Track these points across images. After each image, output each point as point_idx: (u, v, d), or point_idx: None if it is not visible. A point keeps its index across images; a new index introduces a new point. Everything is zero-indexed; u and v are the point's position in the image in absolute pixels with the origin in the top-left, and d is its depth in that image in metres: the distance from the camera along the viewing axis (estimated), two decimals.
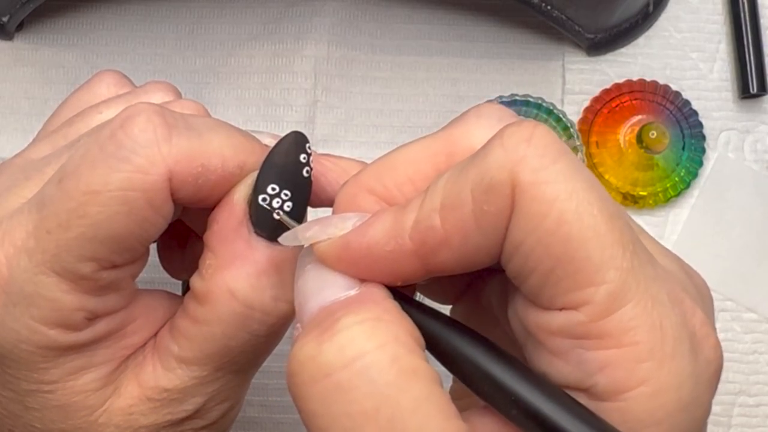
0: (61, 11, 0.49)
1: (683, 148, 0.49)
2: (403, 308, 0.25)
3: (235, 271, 0.30)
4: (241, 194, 0.31)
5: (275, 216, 0.30)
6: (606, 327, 0.23)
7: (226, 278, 0.30)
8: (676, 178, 0.49)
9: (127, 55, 0.49)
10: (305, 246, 0.27)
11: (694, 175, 0.49)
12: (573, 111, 0.49)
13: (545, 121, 0.48)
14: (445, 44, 0.50)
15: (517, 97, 0.47)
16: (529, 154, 0.24)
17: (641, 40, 0.50)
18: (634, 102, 0.49)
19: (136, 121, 0.29)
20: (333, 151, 0.49)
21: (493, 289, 0.29)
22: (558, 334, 0.24)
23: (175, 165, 0.29)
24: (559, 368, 0.24)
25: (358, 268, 0.26)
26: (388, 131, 0.50)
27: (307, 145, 0.31)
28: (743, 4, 0.50)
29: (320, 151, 0.49)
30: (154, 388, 0.31)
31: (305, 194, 0.31)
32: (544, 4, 0.47)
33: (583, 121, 0.49)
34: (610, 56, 0.50)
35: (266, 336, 0.31)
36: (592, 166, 0.49)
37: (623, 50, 0.50)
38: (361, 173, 0.28)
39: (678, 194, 0.49)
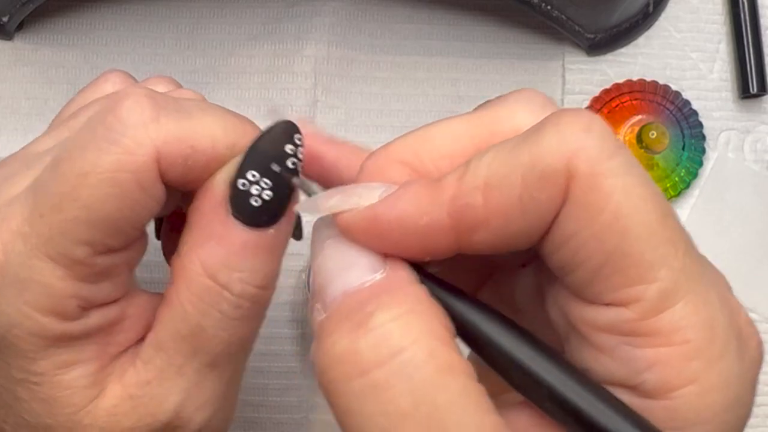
0: (61, 11, 0.50)
1: (683, 148, 0.49)
2: (431, 291, 0.24)
3: (209, 249, 0.30)
4: (223, 175, 0.30)
5: (251, 199, 0.30)
6: (656, 325, 0.23)
7: (199, 254, 0.30)
8: (676, 178, 0.49)
9: (127, 55, 0.49)
10: (323, 216, 0.26)
11: (694, 175, 0.49)
12: None
13: None
14: (445, 44, 0.50)
15: None
16: (588, 145, 0.23)
17: (641, 40, 0.50)
18: (634, 102, 0.49)
19: (125, 104, 0.29)
20: None
21: (521, 279, 0.28)
22: (605, 330, 0.24)
23: (163, 146, 0.29)
24: (604, 364, 0.24)
25: (386, 243, 0.25)
26: (388, 131, 0.50)
27: (296, 135, 0.30)
28: (743, 4, 0.50)
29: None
30: (135, 384, 0.31)
31: (289, 186, 0.30)
32: (544, 4, 0.47)
33: None
34: (610, 56, 0.50)
35: (238, 320, 0.31)
36: None
37: (623, 50, 0.50)
38: (392, 143, 0.27)
39: (678, 194, 0.49)
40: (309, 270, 0.46)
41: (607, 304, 0.24)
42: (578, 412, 0.23)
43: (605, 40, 0.50)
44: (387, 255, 0.25)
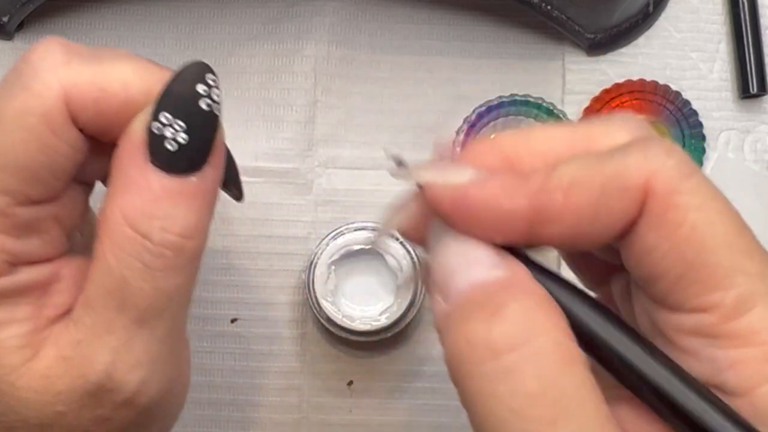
0: (61, 11, 0.49)
1: (683, 148, 0.49)
2: (546, 285, 0.26)
3: (128, 197, 0.30)
4: (139, 120, 0.30)
5: (166, 143, 0.30)
6: (736, 328, 0.25)
7: (119, 203, 0.30)
8: None
9: None
10: (414, 186, 0.28)
11: None
12: (573, 111, 0.49)
13: (545, 121, 0.48)
14: (445, 44, 0.50)
15: (517, 97, 0.47)
16: (668, 166, 0.26)
17: (641, 40, 0.50)
18: (634, 102, 0.49)
19: (37, 50, 0.30)
20: (333, 151, 0.49)
21: (616, 284, 0.30)
22: (689, 333, 0.26)
23: (71, 88, 0.29)
24: (690, 364, 0.26)
25: (469, 219, 0.27)
26: (388, 131, 0.50)
27: (209, 76, 0.30)
28: (743, 4, 0.50)
29: (319, 150, 0.49)
30: (67, 345, 0.31)
31: (206, 128, 0.30)
32: (544, 4, 0.47)
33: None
34: (610, 56, 0.50)
35: (162, 270, 0.30)
36: None
37: (623, 50, 0.50)
38: (497, 136, 0.29)
39: None
40: (309, 270, 0.46)
41: (688, 310, 0.25)
42: (676, 405, 0.25)
43: (605, 40, 0.50)
44: (500, 250, 0.27)
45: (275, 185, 0.49)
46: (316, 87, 0.50)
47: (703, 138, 0.49)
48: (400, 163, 0.29)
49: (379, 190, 0.49)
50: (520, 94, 0.47)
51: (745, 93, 0.49)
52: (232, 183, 0.35)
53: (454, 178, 0.27)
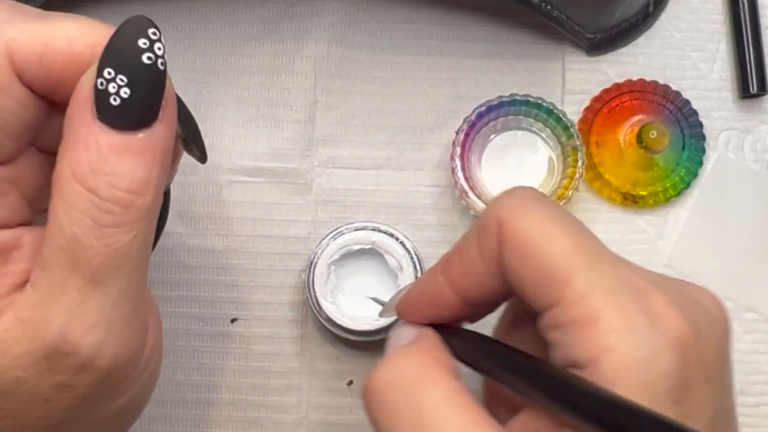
0: (61, 11, 0.49)
1: (683, 148, 0.49)
2: (450, 340, 0.35)
3: (76, 153, 0.30)
4: (86, 78, 0.30)
5: (110, 98, 0.30)
6: (578, 314, 0.30)
7: (69, 160, 0.30)
8: (676, 178, 0.49)
9: None
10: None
11: (694, 175, 0.49)
12: (573, 111, 0.49)
13: (545, 121, 0.48)
14: (445, 44, 0.50)
15: (517, 97, 0.47)
16: (509, 202, 0.33)
17: (641, 40, 0.50)
18: (634, 102, 0.49)
19: None
20: (333, 151, 0.49)
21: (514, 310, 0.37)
22: (550, 328, 0.31)
23: (13, 41, 0.30)
24: (555, 354, 0.31)
25: (417, 311, 0.36)
26: (388, 131, 0.50)
27: (151, 30, 0.30)
28: (743, 4, 0.50)
29: (319, 150, 0.49)
30: (24, 307, 0.31)
31: (150, 83, 0.30)
32: (544, 4, 0.47)
33: (583, 121, 0.49)
34: (610, 56, 0.50)
35: (111, 227, 0.30)
36: (592, 166, 0.49)
37: (623, 50, 0.50)
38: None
39: (678, 194, 0.49)
40: (309, 269, 0.46)
41: (547, 308, 0.31)
42: (547, 391, 0.30)
43: (605, 40, 0.50)
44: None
45: (275, 185, 0.49)
46: (316, 87, 0.50)
47: (703, 138, 0.49)
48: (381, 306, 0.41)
49: (379, 190, 0.49)
50: (520, 94, 0.47)
51: (745, 93, 0.49)
52: (193, 143, 0.35)
53: (400, 295, 0.38)
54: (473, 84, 0.50)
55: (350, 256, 0.46)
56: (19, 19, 0.30)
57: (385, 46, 0.50)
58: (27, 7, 0.31)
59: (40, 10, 0.31)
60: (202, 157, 0.36)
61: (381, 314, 0.41)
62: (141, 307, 0.33)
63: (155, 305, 0.36)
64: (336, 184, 0.49)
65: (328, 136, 0.49)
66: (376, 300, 0.43)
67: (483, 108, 0.47)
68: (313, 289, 0.46)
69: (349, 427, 0.48)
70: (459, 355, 0.35)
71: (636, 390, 0.29)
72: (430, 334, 0.35)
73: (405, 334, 0.36)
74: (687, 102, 0.49)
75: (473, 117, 0.47)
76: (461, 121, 0.48)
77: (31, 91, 0.31)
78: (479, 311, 0.36)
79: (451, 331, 0.35)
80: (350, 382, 0.48)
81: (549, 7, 0.47)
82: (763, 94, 0.50)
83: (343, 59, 0.50)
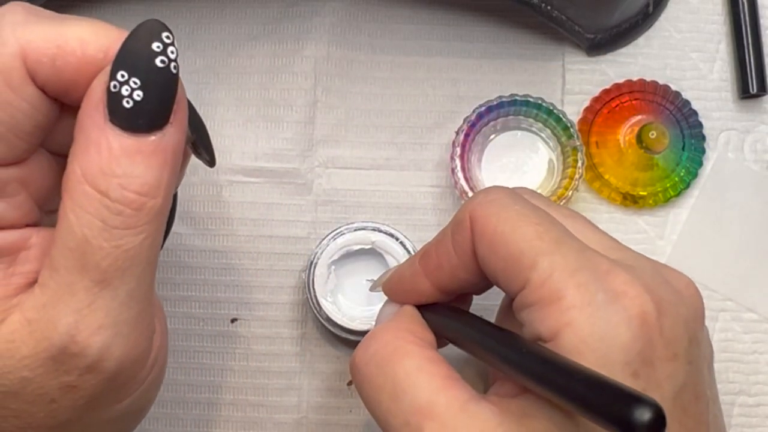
0: (61, 11, 0.49)
1: (683, 148, 0.49)
2: (427, 315, 0.38)
3: (88, 155, 0.30)
4: (99, 80, 0.30)
5: (123, 100, 0.30)
6: (541, 294, 0.32)
7: (80, 162, 0.30)
8: (676, 178, 0.49)
9: None
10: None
11: (694, 175, 0.49)
12: (573, 111, 0.49)
13: (545, 122, 0.48)
14: (445, 44, 0.50)
15: (517, 97, 0.47)
16: (480, 199, 0.35)
17: (641, 40, 0.50)
18: (634, 102, 0.49)
19: None
20: (333, 152, 0.49)
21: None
22: (520, 309, 0.33)
23: (27, 44, 0.30)
24: (526, 333, 0.33)
25: (398, 294, 0.39)
26: (388, 131, 0.50)
27: (164, 34, 0.31)
28: (743, 4, 0.50)
29: (319, 150, 0.49)
30: (32, 308, 0.31)
31: (163, 86, 0.30)
32: (544, 4, 0.47)
33: (583, 121, 0.49)
34: (610, 56, 0.50)
35: (121, 229, 0.30)
36: (592, 166, 0.49)
37: (623, 50, 0.50)
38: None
39: (678, 194, 0.49)
40: (309, 270, 0.46)
41: (516, 292, 0.33)
42: (509, 362, 0.33)
43: (605, 40, 0.50)
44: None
45: (275, 185, 0.49)
46: (316, 87, 0.50)
47: (703, 138, 0.49)
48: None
49: (379, 190, 0.49)
50: (520, 94, 0.47)
51: (745, 93, 0.49)
52: (203, 147, 0.35)
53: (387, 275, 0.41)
54: (473, 84, 0.50)
55: (350, 256, 0.46)
56: (33, 21, 0.30)
57: (385, 46, 0.50)
58: (40, 9, 0.31)
59: (53, 13, 0.32)
60: (211, 161, 0.36)
61: (371, 289, 0.43)
62: (148, 309, 0.33)
63: (161, 306, 0.36)
64: (336, 184, 0.49)
65: (328, 136, 0.49)
66: (370, 281, 0.44)
67: (483, 108, 0.47)
68: (313, 289, 0.46)
69: (349, 427, 0.48)
70: (439, 330, 0.37)
71: (593, 361, 0.31)
72: (409, 310, 0.38)
73: (387, 311, 0.39)
74: (687, 102, 0.49)
75: (473, 117, 0.47)
76: (461, 121, 0.48)
77: (44, 92, 0.31)
78: (458, 298, 0.39)
79: (432, 308, 0.38)
80: (350, 382, 0.48)
81: (549, 7, 0.47)
82: (763, 95, 0.50)
83: (343, 59, 0.50)
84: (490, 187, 0.37)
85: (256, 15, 0.50)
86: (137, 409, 0.36)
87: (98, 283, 0.31)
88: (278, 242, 0.49)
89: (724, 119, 0.50)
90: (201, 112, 0.49)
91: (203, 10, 0.50)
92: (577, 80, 0.50)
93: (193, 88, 0.49)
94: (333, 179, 0.49)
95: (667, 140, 0.48)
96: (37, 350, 0.31)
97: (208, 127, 0.49)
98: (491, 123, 0.48)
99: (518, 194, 0.36)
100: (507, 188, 0.37)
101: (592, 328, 0.31)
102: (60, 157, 0.33)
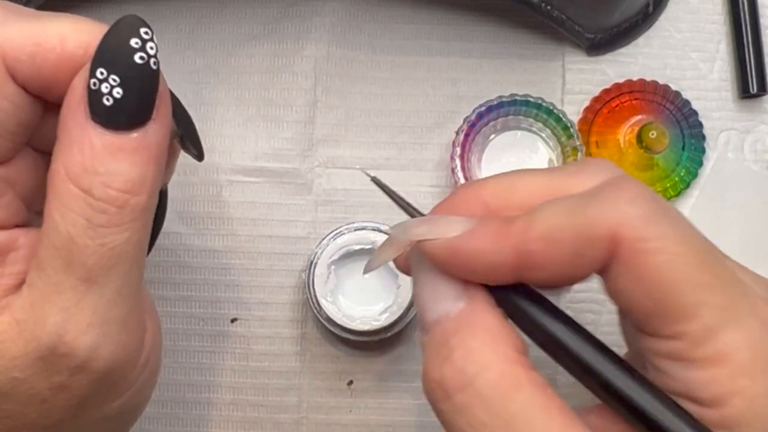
0: (61, 11, 0.49)
1: (683, 148, 0.49)
2: (509, 307, 0.30)
3: (70, 154, 0.30)
4: (79, 78, 0.30)
5: (103, 98, 0.30)
6: (704, 352, 0.27)
7: (63, 160, 0.30)
8: (676, 178, 0.49)
9: None
10: (410, 241, 0.30)
11: (694, 175, 0.49)
12: (573, 111, 0.49)
13: (545, 121, 0.48)
14: (445, 44, 0.50)
15: (517, 97, 0.47)
16: (634, 214, 0.28)
17: (641, 40, 0.50)
18: (634, 102, 0.49)
19: None
20: (333, 152, 0.49)
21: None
22: (665, 357, 0.28)
23: (5, 42, 0.30)
24: (666, 383, 0.28)
25: (460, 269, 0.30)
26: (388, 131, 0.50)
27: (143, 29, 0.30)
28: (743, 4, 0.50)
29: (319, 150, 0.49)
30: (20, 308, 0.31)
31: (143, 83, 0.30)
32: (544, 4, 0.47)
33: (583, 121, 0.49)
34: (610, 56, 0.50)
35: (105, 227, 0.30)
36: None
37: (623, 50, 0.50)
38: (481, 182, 0.31)
39: (678, 194, 0.49)
40: (309, 269, 0.46)
41: (663, 338, 0.28)
42: (638, 409, 0.28)
43: (605, 40, 0.50)
44: (467, 282, 0.30)
45: (275, 185, 0.49)
46: (316, 87, 0.50)
47: (703, 138, 0.49)
48: (377, 183, 0.34)
49: (379, 190, 0.49)
50: (520, 94, 0.47)
51: (745, 93, 0.49)
52: (190, 141, 0.35)
53: (445, 232, 0.30)
54: (473, 84, 0.50)
55: (350, 256, 0.46)
56: (12, 19, 0.30)
57: (385, 46, 0.50)
58: (20, 7, 0.31)
59: (34, 11, 0.31)
60: (199, 155, 0.36)
61: (366, 270, 0.32)
62: (138, 307, 0.33)
63: (153, 306, 0.36)
64: (336, 184, 0.49)
65: (328, 136, 0.49)
66: (374, 180, 0.35)
67: (483, 108, 0.47)
68: (313, 289, 0.46)
69: (349, 427, 0.48)
70: (513, 319, 0.30)
71: None
72: (486, 299, 0.30)
73: (448, 292, 0.30)
74: (687, 102, 0.49)
75: (473, 117, 0.47)
76: (461, 121, 0.48)
77: (25, 90, 0.31)
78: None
79: (503, 290, 0.30)
80: (350, 382, 0.48)
81: (549, 7, 0.47)
82: (763, 94, 0.50)
83: (343, 59, 0.50)
84: (635, 191, 0.29)
85: (256, 15, 0.50)
86: (131, 408, 0.36)
87: (85, 282, 0.31)
88: (278, 242, 0.49)
89: (724, 119, 0.50)
90: (201, 112, 0.49)
91: (203, 10, 0.50)
92: (577, 80, 0.50)
93: (193, 88, 0.49)
94: (333, 179, 0.49)
95: (667, 140, 0.48)
96: (27, 350, 0.31)
97: (208, 127, 0.49)
98: (491, 123, 0.48)
99: (670, 206, 0.30)
100: (654, 194, 0.29)
101: (767, 401, 0.27)
102: (46, 154, 0.33)
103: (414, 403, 0.48)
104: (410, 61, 0.50)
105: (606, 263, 0.28)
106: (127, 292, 0.32)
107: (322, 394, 0.48)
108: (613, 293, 0.29)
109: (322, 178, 0.49)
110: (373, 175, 0.34)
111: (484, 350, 0.29)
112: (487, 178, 0.32)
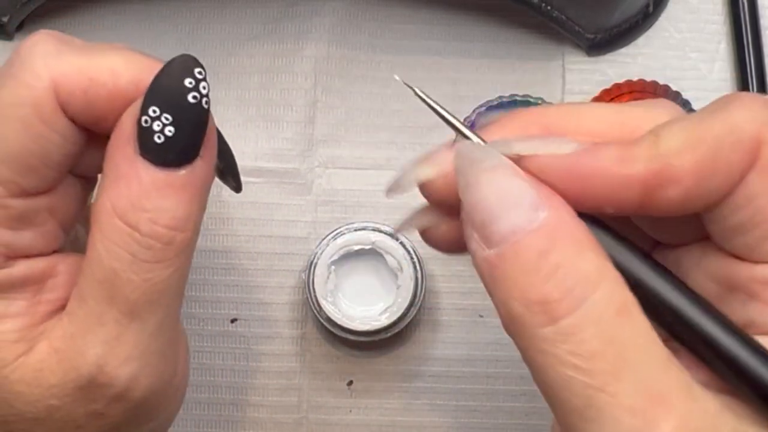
0: (61, 11, 0.49)
1: None
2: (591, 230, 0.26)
3: (118, 189, 0.30)
4: (129, 114, 0.30)
5: (155, 135, 0.30)
6: None
7: (110, 195, 0.30)
8: None
9: None
10: (473, 144, 0.27)
11: None
12: None
13: None
14: (445, 44, 0.50)
15: (517, 97, 0.47)
16: None
17: (641, 40, 0.50)
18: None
19: (28, 42, 0.30)
20: (333, 151, 0.49)
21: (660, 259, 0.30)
22: None
23: (60, 77, 0.30)
24: None
25: (580, 190, 0.26)
26: (388, 131, 0.49)
27: (197, 70, 0.31)
28: (743, 4, 0.50)
29: (319, 150, 0.49)
30: (60, 338, 0.31)
31: (194, 122, 0.30)
32: (544, 4, 0.47)
33: None
34: (610, 56, 0.50)
35: (150, 262, 0.31)
36: None
37: (623, 50, 0.50)
38: (541, 108, 0.29)
39: None
40: (309, 270, 0.46)
41: None
42: (724, 355, 0.26)
43: (605, 40, 0.50)
44: (538, 184, 0.26)
45: (275, 185, 0.49)
46: (316, 87, 0.50)
47: None
48: (467, 128, 0.29)
49: (379, 190, 0.49)
50: (520, 94, 0.47)
51: None
52: (230, 174, 0.35)
53: (558, 150, 0.26)
54: (473, 84, 0.50)
55: (350, 256, 0.46)
56: (65, 52, 0.30)
57: (385, 46, 0.50)
58: (70, 37, 0.31)
59: (82, 41, 0.31)
60: (237, 187, 0.37)
61: (390, 192, 0.30)
62: (175, 338, 0.34)
63: (185, 333, 0.36)
64: (336, 184, 0.49)
65: (328, 136, 0.49)
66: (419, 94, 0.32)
67: (483, 108, 0.47)
68: (313, 289, 0.46)
69: (349, 427, 0.48)
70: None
71: None
72: (565, 205, 0.26)
73: (523, 198, 0.26)
74: (687, 102, 0.49)
75: (473, 117, 0.47)
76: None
77: (74, 123, 0.31)
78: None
79: (599, 229, 0.27)
80: (350, 382, 0.48)
81: (549, 7, 0.47)
82: (763, 95, 0.50)
83: (343, 59, 0.50)
84: (757, 96, 0.28)
85: (256, 15, 0.50)
86: (161, 429, 0.36)
87: (127, 315, 0.31)
88: (278, 242, 0.49)
89: None
90: None
91: (203, 10, 0.50)
92: (577, 80, 0.50)
93: None
94: (333, 179, 0.49)
95: None
96: (66, 380, 0.31)
97: None
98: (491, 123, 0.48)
99: None
100: None
101: None
102: (84, 179, 0.34)
103: (414, 403, 0.48)
104: (410, 61, 0.50)
105: (747, 171, 0.26)
106: (167, 324, 0.32)
107: (322, 394, 0.48)
108: (734, 207, 0.26)
109: (322, 178, 0.49)
110: (418, 90, 0.30)
111: (590, 264, 0.25)
112: (545, 106, 0.29)
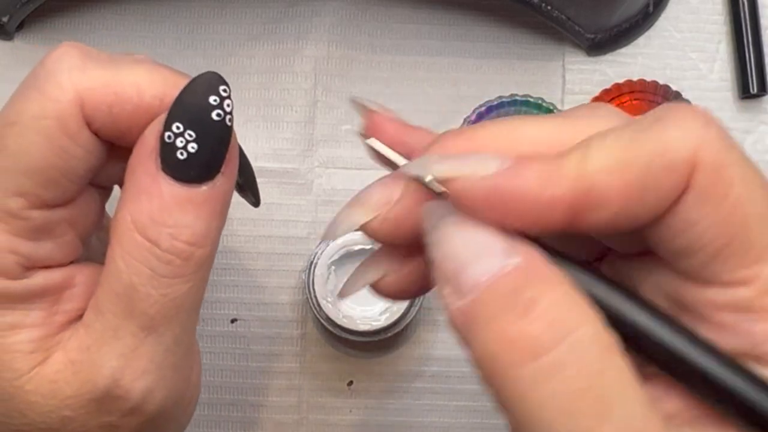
0: (61, 11, 0.49)
1: None
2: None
3: (138, 203, 0.30)
4: (152, 128, 0.30)
5: (177, 152, 0.30)
6: None
7: (130, 209, 0.30)
8: None
9: None
10: (438, 200, 0.25)
11: None
12: None
13: None
14: (445, 44, 0.50)
15: (517, 97, 0.47)
16: (711, 138, 0.25)
17: (641, 40, 0.50)
18: (634, 102, 0.49)
19: (53, 54, 0.30)
20: (333, 152, 0.49)
21: (606, 268, 0.29)
22: (724, 308, 0.25)
23: (85, 91, 0.30)
24: (724, 338, 0.25)
25: (502, 214, 0.24)
26: None
27: (222, 87, 0.30)
28: (743, 4, 0.50)
29: (319, 150, 0.49)
30: (76, 349, 0.31)
31: (217, 139, 0.30)
32: (544, 4, 0.47)
33: None
34: (610, 56, 0.50)
35: (169, 278, 0.31)
36: None
37: (623, 50, 0.50)
38: (473, 129, 0.27)
39: None
40: (309, 270, 0.46)
41: (725, 284, 0.25)
42: (707, 378, 0.25)
43: (605, 40, 0.50)
44: (509, 234, 0.25)
45: (275, 185, 0.49)
46: (316, 87, 0.50)
47: None
48: (364, 111, 0.28)
49: None
50: (520, 94, 0.47)
51: (745, 93, 0.49)
52: (249, 189, 0.36)
53: (478, 169, 0.24)
54: (473, 84, 0.50)
55: (350, 256, 0.46)
56: (90, 66, 0.30)
57: (385, 46, 0.50)
58: (94, 50, 0.31)
59: (107, 54, 0.31)
60: (256, 202, 0.37)
61: (409, 168, 0.26)
62: (190, 352, 0.34)
63: (197, 345, 0.36)
64: (336, 184, 0.49)
65: (328, 136, 0.49)
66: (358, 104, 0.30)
67: (483, 108, 0.47)
68: (313, 290, 0.46)
69: (349, 428, 0.48)
70: None
71: None
72: (536, 249, 0.25)
73: (493, 246, 0.24)
74: (687, 102, 0.49)
75: (473, 117, 0.47)
76: (461, 121, 0.48)
77: (97, 136, 0.31)
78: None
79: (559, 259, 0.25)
80: (350, 382, 0.48)
81: (549, 7, 0.47)
82: (763, 95, 0.50)
83: (343, 59, 0.50)
84: (704, 113, 0.25)
85: (256, 15, 0.50)
86: None
87: (144, 329, 0.31)
88: (278, 242, 0.49)
89: (724, 119, 0.50)
90: None
91: (203, 10, 0.50)
92: (577, 80, 0.50)
93: None
94: (333, 179, 0.49)
95: None
96: (81, 392, 0.31)
97: None
98: None
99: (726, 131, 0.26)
100: (715, 119, 0.25)
101: None
102: (102, 188, 0.34)
103: (414, 403, 0.48)
104: (410, 60, 0.50)
105: (680, 194, 0.25)
106: (184, 339, 0.32)
107: (322, 394, 0.48)
108: (674, 231, 0.25)
109: (322, 178, 0.49)
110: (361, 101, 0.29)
111: (572, 303, 0.24)
112: (478, 125, 0.26)
